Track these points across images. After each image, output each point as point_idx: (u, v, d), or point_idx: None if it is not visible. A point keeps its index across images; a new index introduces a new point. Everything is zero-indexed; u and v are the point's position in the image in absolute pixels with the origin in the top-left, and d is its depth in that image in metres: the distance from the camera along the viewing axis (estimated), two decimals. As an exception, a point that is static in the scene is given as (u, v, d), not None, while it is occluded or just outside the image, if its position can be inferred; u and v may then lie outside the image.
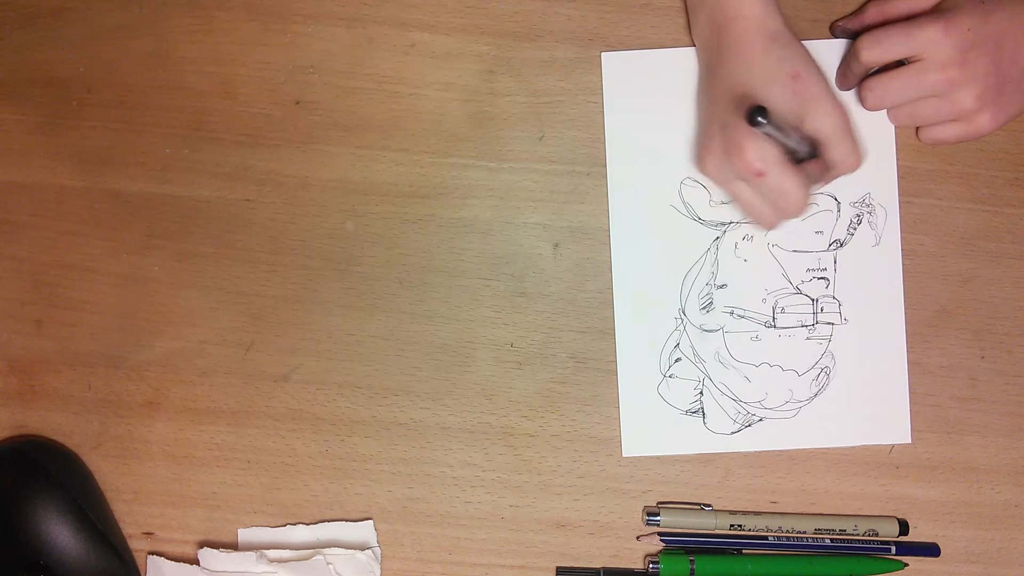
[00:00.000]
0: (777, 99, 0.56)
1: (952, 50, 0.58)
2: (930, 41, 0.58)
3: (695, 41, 0.63)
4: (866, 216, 0.63)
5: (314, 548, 0.62)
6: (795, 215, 0.58)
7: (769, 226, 0.59)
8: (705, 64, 0.61)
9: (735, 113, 0.56)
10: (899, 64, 0.60)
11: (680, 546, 0.62)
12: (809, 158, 0.58)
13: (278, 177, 0.64)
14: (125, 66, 0.64)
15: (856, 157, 0.58)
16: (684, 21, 0.64)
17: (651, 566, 0.62)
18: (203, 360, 0.64)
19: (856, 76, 0.62)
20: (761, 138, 0.55)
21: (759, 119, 0.52)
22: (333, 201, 0.64)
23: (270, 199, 0.64)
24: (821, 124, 0.56)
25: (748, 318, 0.63)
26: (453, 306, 0.64)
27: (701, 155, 0.59)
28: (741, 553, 0.62)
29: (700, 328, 0.63)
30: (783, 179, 0.56)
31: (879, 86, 0.60)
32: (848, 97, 0.63)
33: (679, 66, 0.64)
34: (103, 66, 0.64)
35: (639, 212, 0.63)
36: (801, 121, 0.57)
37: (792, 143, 0.56)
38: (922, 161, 0.64)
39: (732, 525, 0.62)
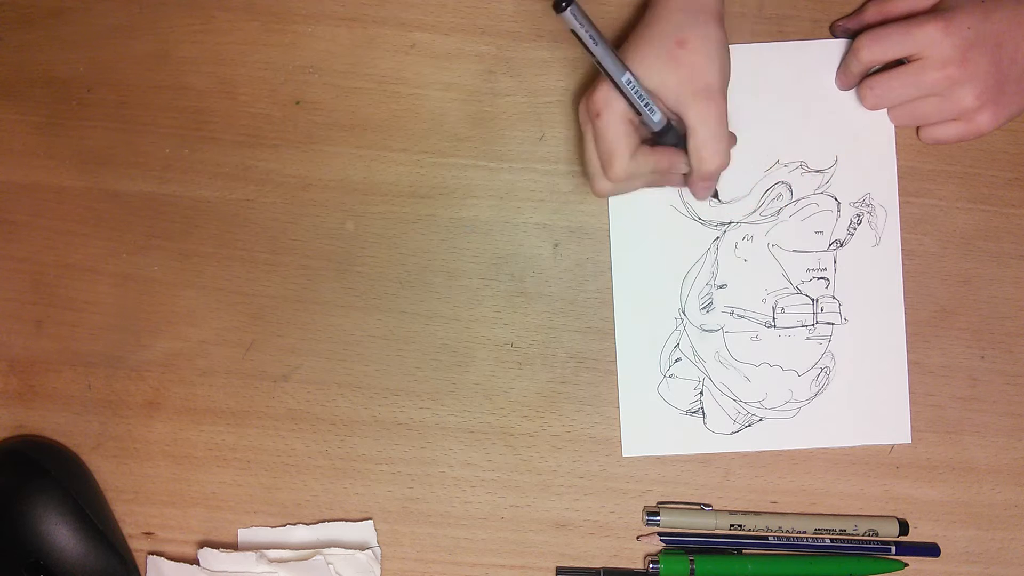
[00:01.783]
0: (649, 57, 0.55)
1: (952, 49, 0.58)
2: (930, 40, 0.58)
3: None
4: (866, 216, 0.63)
5: (314, 548, 0.62)
6: (612, 174, 0.55)
7: (595, 185, 0.57)
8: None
9: None
10: (899, 64, 0.60)
11: (680, 546, 0.62)
12: (656, 127, 0.56)
13: (278, 177, 0.64)
14: (125, 66, 0.64)
15: (713, 152, 0.55)
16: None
17: (651, 566, 0.62)
18: (203, 360, 0.64)
19: (856, 75, 0.62)
20: (616, 89, 0.54)
21: (562, 3, 0.48)
22: (333, 201, 0.64)
23: (270, 199, 0.64)
24: (687, 105, 0.54)
25: (748, 318, 0.63)
26: (453, 306, 0.64)
27: (586, 93, 0.57)
28: (741, 553, 0.62)
29: (700, 328, 0.63)
30: (611, 126, 0.55)
31: (879, 85, 0.60)
32: (850, 96, 0.63)
33: (679, 66, 0.63)
34: (103, 66, 0.64)
35: (639, 212, 0.63)
36: (664, 89, 0.54)
37: (608, 67, 0.53)
38: (922, 161, 0.64)
39: (732, 525, 0.62)
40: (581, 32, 0.51)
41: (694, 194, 0.60)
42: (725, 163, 0.56)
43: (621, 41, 0.59)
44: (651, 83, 0.55)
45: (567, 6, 0.48)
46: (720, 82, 0.55)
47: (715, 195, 0.63)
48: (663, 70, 0.55)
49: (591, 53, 0.53)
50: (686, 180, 0.59)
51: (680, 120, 0.56)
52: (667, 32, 0.55)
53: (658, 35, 0.55)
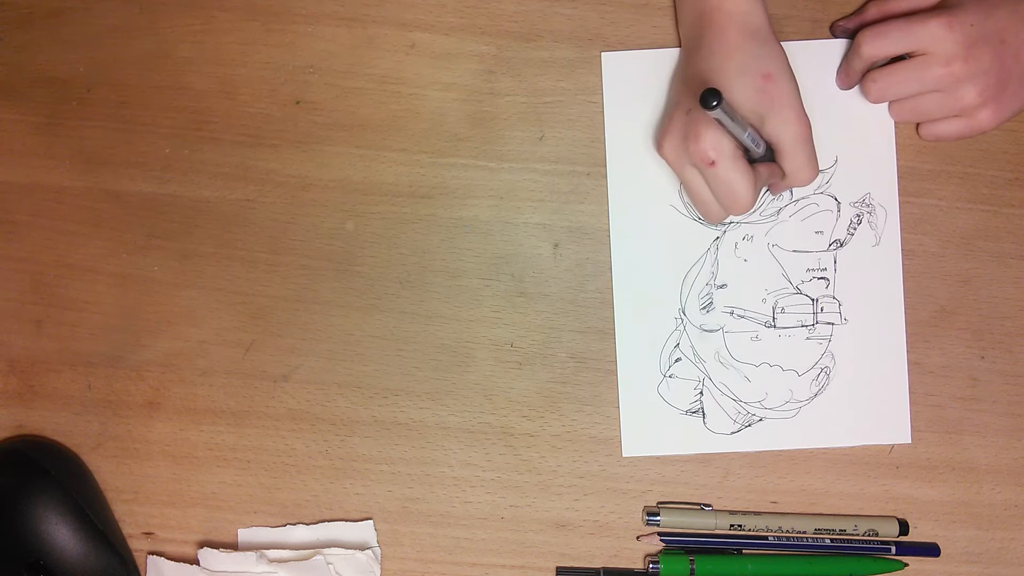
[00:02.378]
0: (742, 94, 0.57)
1: (956, 45, 0.58)
2: (933, 36, 0.58)
3: (679, 29, 0.63)
4: (866, 216, 0.63)
5: (314, 548, 0.62)
6: (740, 211, 0.57)
7: (714, 219, 0.60)
8: (685, 52, 0.62)
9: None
10: (901, 60, 0.60)
11: (680, 546, 0.62)
12: (764, 160, 0.58)
13: (278, 177, 0.64)
14: (125, 66, 0.64)
15: (809, 171, 0.58)
16: (684, 21, 0.64)
17: (651, 566, 0.62)
18: (203, 360, 0.64)
19: (857, 72, 0.62)
20: (719, 129, 0.55)
21: (712, 102, 0.51)
22: (333, 201, 0.64)
23: (270, 199, 0.64)
24: (782, 130, 0.57)
25: (748, 318, 0.63)
26: (453, 306, 0.64)
27: (661, 137, 0.59)
28: (741, 553, 0.62)
29: (700, 328, 0.63)
30: (733, 172, 0.56)
31: (882, 78, 0.60)
32: (850, 96, 0.63)
33: (679, 66, 0.64)
34: (103, 66, 0.64)
35: (639, 212, 0.63)
36: (762, 122, 0.57)
37: (745, 139, 0.56)
38: (922, 161, 0.64)
39: (732, 525, 0.62)
40: (726, 120, 0.54)
41: (774, 192, 0.63)
42: (816, 176, 0.59)
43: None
44: (748, 117, 0.57)
45: (717, 106, 0.51)
46: (803, 105, 0.58)
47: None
48: (759, 106, 0.57)
49: (730, 131, 0.55)
50: (770, 187, 0.61)
51: (772, 142, 0.58)
52: (749, 67, 0.57)
53: (742, 71, 0.57)
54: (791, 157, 0.58)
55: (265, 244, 0.64)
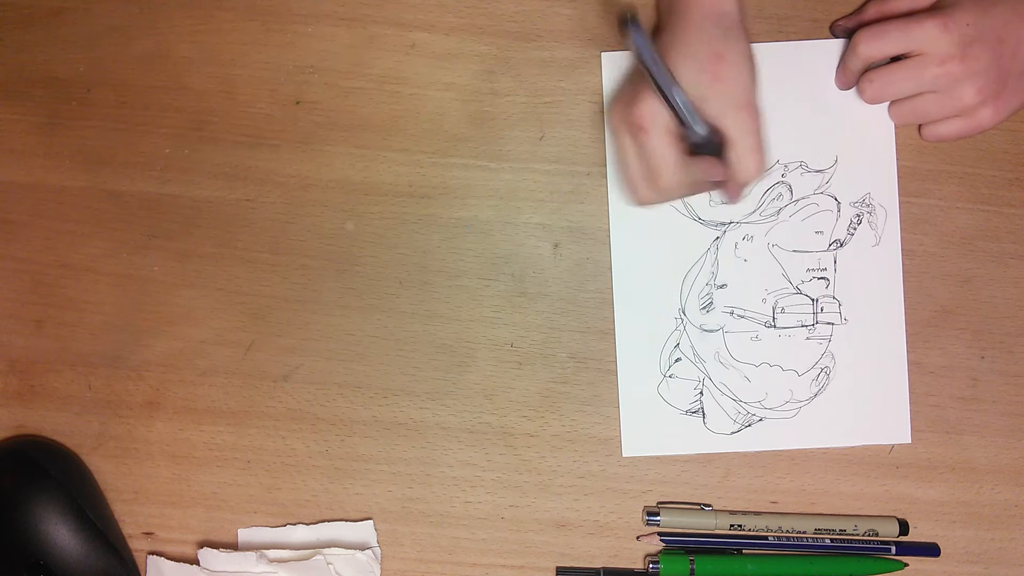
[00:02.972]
0: (689, 71, 0.55)
1: (952, 45, 0.58)
2: (929, 36, 0.58)
3: (657, 5, 0.62)
4: (866, 216, 0.63)
5: (314, 548, 0.62)
6: (658, 191, 0.57)
7: (636, 195, 0.58)
8: (656, 29, 0.61)
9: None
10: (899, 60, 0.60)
11: (680, 546, 0.62)
12: (699, 139, 0.56)
13: (278, 177, 0.64)
14: (125, 66, 0.64)
15: (751, 161, 0.56)
16: (684, 21, 0.64)
17: (651, 566, 0.62)
18: (203, 360, 0.64)
19: (854, 73, 0.62)
20: (660, 102, 0.54)
21: (628, 22, 0.50)
22: (333, 201, 0.64)
23: (270, 199, 0.64)
24: (725, 115, 0.55)
25: (748, 318, 0.63)
26: (453, 306, 0.64)
27: (612, 101, 0.58)
28: (741, 553, 0.62)
29: (700, 328, 0.63)
30: (661, 144, 0.55)
31: (879, 78, 0.60)
32: (850, 96, 0.63)
33: (679, 66, 0.64)
34: (103, 66, 0.64)
35: (639, 212, 0.63)
36: (705, 102, 0.55)
37: (679, 104, 0.54)
38: (922, 161, 0.64)
39: (732, 525, 0.62)
40: (644, 51, 0.52)
41: (729, 197, 0.60)
42: (764, 169, 0.57)
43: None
44: (692, 96, 0.56)
45: (631, 23, 0.50)
46: (756, 94, 0.56)
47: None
48: (703, 84, 0.55)
49: (649, 71, 0.54)
50: (717, 185, 0.59)
51: (717, 130, 0.56)
52: (702, 46, 0.56)
53: (694, 49, 0.56)
54: (733, 144, 0.56)
55: (265, 244, 0.64)
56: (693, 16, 0.57)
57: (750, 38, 0.57)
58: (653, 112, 0.55)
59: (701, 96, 0.56)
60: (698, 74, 0.55)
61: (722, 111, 0.56)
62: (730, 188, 0.59)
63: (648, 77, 0.54)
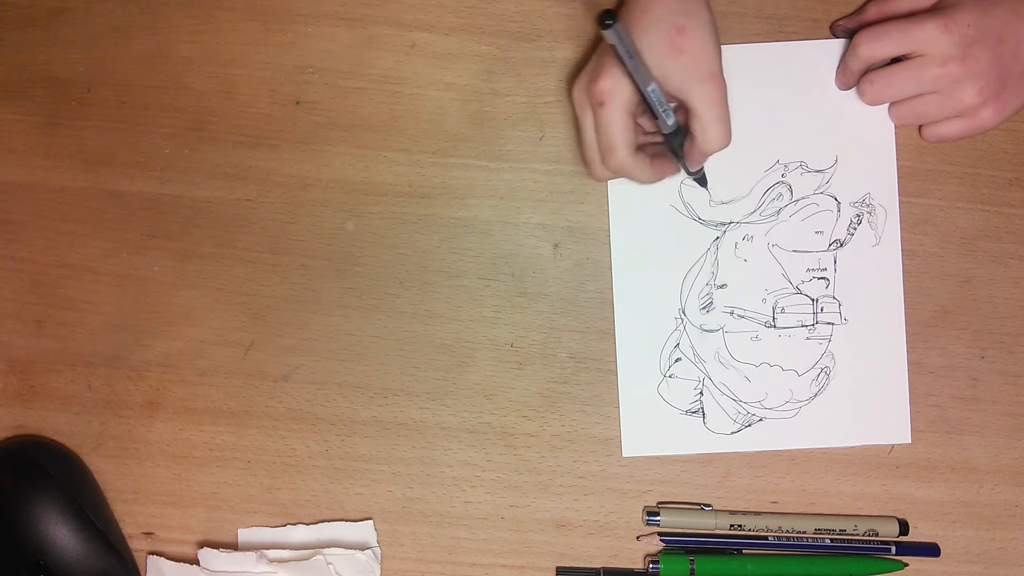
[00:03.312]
0: (650, 43, 0.55)
1: (952, 46, 0.58)
2: (930, 37, 0.58)
3: None
4: (866, 216, 0.63)
5: (314, 548, 0.62)
6: (612, 164, 0.57)
7: (592, 170, 0.59)
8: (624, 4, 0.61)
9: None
10: (900, 61, 0.60)
11: (680, 546, 0.62)
12: (669, 129, 0.57)
13: (278, 177, 0.64)
14: (125, 66, 0.64)
15: (716, 132, 0.56)
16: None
17: (651, 566, 0.62)
18: (203, 360, 0.64)
19: (855, 73, 0.62)
20: (620, 76, 0.55)
21: (607, 20, 0.50)
22: (333, 201, 0.64)
23: (270, 199, 0.64)
24: (689, 87, 0.55)
25: (748, 318, 0.63)
26: (453, 306, 0.64)
27: (577, 78, 0.58)
28: (741, 553, 0.62)
29: (700, 328, 0.63)
30: (615, 117, 0.56)
31: (879, 79, 0.60)
32: (850, 96, 0.63)
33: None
34: (103, 66, 0.64)
35: (639, 212, 0.63)
36: (667, 78, 0.55)
37: (649, 92, 0.55)
38: (922, 161, 0.64)
39: (732, 525, 0.62)
40: (620, 48, 0.53)
41: (689, 165, 0.60)
42: (728, 142, 0.57)
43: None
44: (654, 70, 0.55)
45: (611, 24, 0.50)
46: (719, 64, 0.56)
47: (703, 182, 0.62)
48: (665, 58, 0.55)
49: (625, 65, 0.54)
50: (682, 164, 0.60)
51: (681, 105, 0.57)
52: (663, 19, 0.55)
53: (655, 22, 0.56)
54: (697, 116, 0.56)
55: (265, 244, 0.64)
56: None
57: (712, 12, 0.57)
58: (613, 88, 0.55)
59: (664, 69, 0.55)
60: (659, 47, 0.55)
61: (686, 84, 0.55)
62: (693, 157, 0.59)
63: (625, 71, 0.54)
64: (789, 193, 0.63)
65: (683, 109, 0.57)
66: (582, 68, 0.59)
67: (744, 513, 0.63)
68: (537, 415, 0.63)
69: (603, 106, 0.56)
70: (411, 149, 0.64)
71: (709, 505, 0.63)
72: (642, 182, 0.59)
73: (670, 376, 0.63)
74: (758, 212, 0.63)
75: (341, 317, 0.64)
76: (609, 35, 0.51)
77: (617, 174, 0.58)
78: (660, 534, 0.63)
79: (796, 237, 0.63)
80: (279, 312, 0.64)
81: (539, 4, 0.64)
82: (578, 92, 0.58)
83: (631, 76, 0.54)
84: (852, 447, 0.63)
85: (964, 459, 0.63)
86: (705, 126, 0.56)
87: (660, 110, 0.56)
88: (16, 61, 0.65)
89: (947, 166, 0.64)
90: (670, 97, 0.56)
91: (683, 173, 0.61)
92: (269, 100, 0.64)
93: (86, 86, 0.64)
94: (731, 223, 0.64)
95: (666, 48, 0.55)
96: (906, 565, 0.63)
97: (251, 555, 0.61)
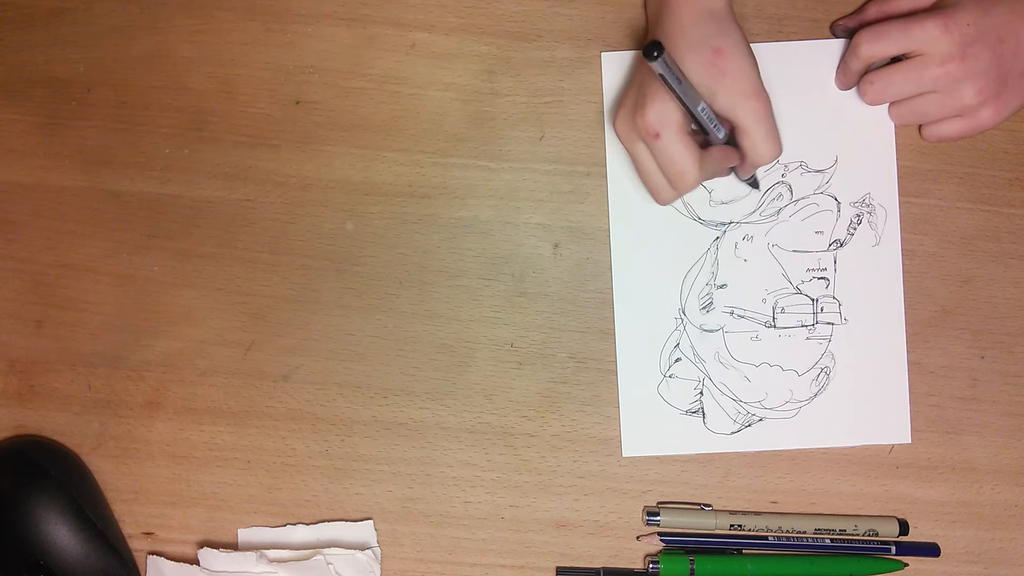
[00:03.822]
0: (693, 68, 0.56)
1: (952, 45, 0.58)
2: (930, 36, 0.58)
3: (646, 11, 0.63)
4: (866, 216, 0.63)
5: (314, 548, 0.62)
6: (685, 188, 0.57)
7: (660, 197, 0.59)
8: (649, 30, 0.62)
9: (652, 73, 0.56)
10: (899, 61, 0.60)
11: (680, 546, 0.62)
12: (721, 142, 0.58)
13: (278, 177, 0.64)
14: (125, 66, 0.64)
15: (767, 146, 0.58)
16: (684, 21, 0.64)
17: (651, 566, 0.62)
18: (203, 360, 0.64)
19: (855, 73, 0.62)
20: (667, 102, 0.55)
21: (654, 52, 0.51)
22: (333, 201, 0.64)
23: (270, 199, 0.64)
24: (735, 104, 0.56)
25: (748, 318, 0.63)
26: (453, 306, 0.64)
27: (615, 110, 0.59)
28: (741, 553, 0.62)
29: (700, 328, 0.63)
30: (675, 145, 0.56)
31: (879, 80, 0.61)
32: (850, 96, 0.63)
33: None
34: (103, 66, 0.64)
35: (639, 212, 0.63)
36: (714, 98, 0.56)
37: (699, 113, 0.56)
38: (922, 161, 0.64)
39: (732, 525, 0.62)
40: (668, 77, 0.54)
41: (741, 174, 0.62)
42: (780, 152, 0.58)
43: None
44: (702, 93, 0.56)
45: (659, 56, 0.51)
46: (760, 80, 0.57)
47: (756, 185, 0.63)
48: (708, 80, 0.56)
49: (674, 91, 0.55)
50: (732, 170, 0.61)
51: (728, 121, 0.58)
52: (700, 43, 0.57)
53: (692, 47, 0.57)
54: (747, 132, 0.57)
55: (265, 244, 0.64)
56: (685, 15, 0.57)
57: (742, 28, 0.58)
58: (662, 115, 0.56)
59: (709, 92, 0.56)
60: (704, 71, 0.56)
61: (732, 102, 0.57)
62: (744, 169, 0.61)
63: (675, 97, 0.55)
64: (789, 193, 0.63)
65: (729, 124, 0.58)
66: (619, 104, 0.59)
67: (744, 513, 0.63)
68: (537, 415, 0.63)
69: (659, 137, 0.56)
70: (411, 149, 0.64)
71: (709, 505, 0.63)
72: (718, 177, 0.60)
73: (670, 376, 0.63)
74: (758, 212, 0.63)
75: (341, 317, 0.64)
76: (657, 65, 0.52)
77: (687, 192, 0.59)
78: (660, 534, 0.63)
79: (796, 237, 0.63)
80: (279, 312, 0.64)
81: (539, 4, 0.64)
82: (623, 128, 0.59)
83: (680, 100, 0.55)
84: (852, 447, 0.63)
85: (964, 459, 0.63)
86: (755, 141, 0.57)
87: (711, 126, 0.57)
88: (16, 61, 0.65)
89: (947, 166, 0.64)
90: (717, 115, 0.57)
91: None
92: (269, 100, 0.64)
93: (86, 86, 0.64)
94: (731, 223, 0.64)
95: (708, 71, 0.56)
96: (906, 565, 0.63)
97: (251, 555, 0.61)
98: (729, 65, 0.56)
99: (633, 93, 0.58)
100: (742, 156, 0.59)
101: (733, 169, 0.61)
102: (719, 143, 0.58)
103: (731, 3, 0.58)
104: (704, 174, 0.57)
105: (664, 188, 0.59)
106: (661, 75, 0.53)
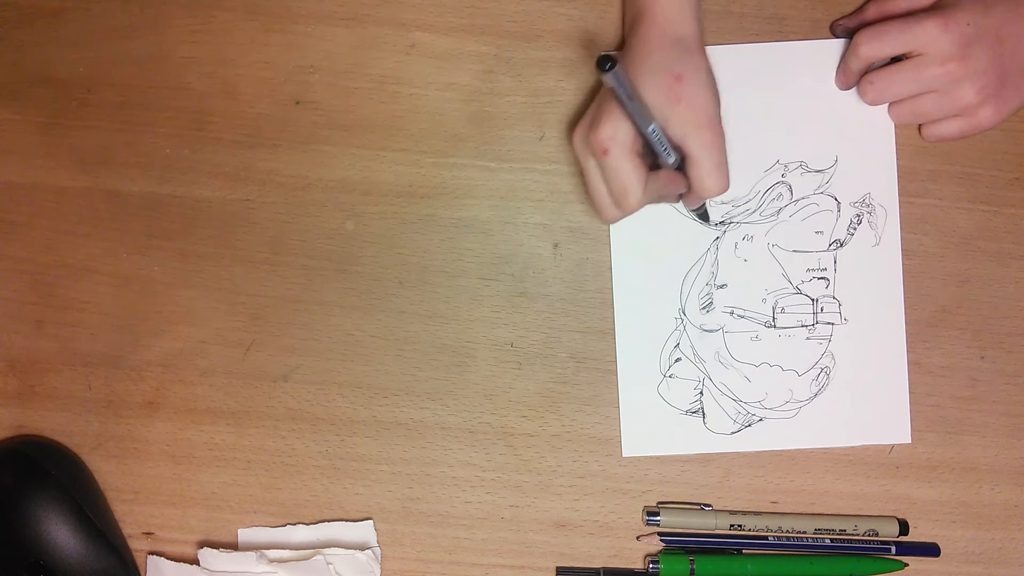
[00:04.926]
0: (649, 90, 0.56)
1: (952, 45, 0.58)
2: (930, 36, 0.58)
3: (623, 23, 0.63)
4: (866, 216, 0.63)
5: (314, 548, 0.62)
6: (627, 208, 0.57)
7: (604, 215, 0.59)
8: (623, 48, 0.62)
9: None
10: (899, 61, 0.60)
11: (680, 546, 0.63)
12: (670, 168, 0.57)
13: (278, 177, 0.64)
14: (125, 66, 0.64)
15: (713, 180, 0.57)
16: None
17: (651, 566, 0.62)
18: (203, 360, 0.64)
19: (855, 73, 0.62)
20: (620, 121, 0.55)
21: (606, 65, 0.51)
22: (333, 201, 0.64)
23: (270, 199, 0.64)
24: (687, 132, 0.56)
25: (748, 318, 0.63)
26: (453, 306, 0.64)
27: (577, 126, 0.59)
28: (741, 553, 0.62)
29: (700, 328, 0.63)
30: (622, 162, 0.56)
31: (879, 79, 0.61)
32: (850, 96, 0.63)
33: (679, 66, 0.63)
34: (103, 66, 0.64)
35: (639, 212, 0.63)
36: (668, 123, 0.56)
37: (650, 133, 0.55)
38: (922, 161, 0.64)
39: (732, 525, 0.62)
40: (619, 91, 0.53)
41: (688, 204, 0.62)
42: (726, 187, 0.57)
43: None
44: (656, 117, 0.56)
45: (610, 68, 0.51)
46: (717, 111, 0.57)
47: (706, 217, 0.63)
48: (664, 105, 0.56)
49: (625, 107, 0.54)
50: (680, 198, 0.61)
51: (679, 148, 0.57)
52: (662, 67, 0.56)
53: (653, 70, 0.56)
54: (696, 162, 0.57)
55: (265, 244, 0.64)
56: (653, 40, 0.58)
57: (709, 60, 0.57)
58: (614, 134, 0.55)
59: (664, 117, 0.56)
60: (660, 94, 0.56)
61: (684, 130, 0.56)
62: (690, 200, 0.60)
63: (625, 113, 0.55)
64: (789, 193, 0.63)
65: (681, 152, 0.57)
66: (581, 118, 0.59)
67: (744, 513, 0.63)
68: (537, 415, 0.63)
69: (607, 154, 0.56)
70: (411, 149, 0.64)
71: (709, 505, 0.63)
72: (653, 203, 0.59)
73: (670, 376, 0.63)
74: (758, 212, 0.63)
75: (341, 317, 0.64)
76: (608, 79, 0.52)
77: (630, 213, 0.58)
78: (660, 534, 0.63)
79: (796, 237, 0.63)
80: (279, 312, 0.64)
81: (539, 4, 0.64)
82: (578, 141, 0.58)
83: (630, 116, 0.55)
84: (852, 447, 0.63)
85: (964, 459, 0.63)
86: (702, 173, 0.57)
87: (661, 149, 0.56)
88: (16, 61, 0.65)
89: (947, 166, 0.64)
90: (670, 142, 0.57)
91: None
92: (269, 100, 0.64)
93: (86, 86, 0.64)
94: (731, 223, 0.64)
95: (665, 94, 0.56)
96: (906, 565, 0.63)
97: (251, 555, 0.61)
98: (687, 92, 0.56)
99: (594, 109, 0.58)
100: (689, 186, 0.58)
101: (680, 199, 0.61)
102: (668, 168, 0.57)
103: (701, 33, 0.58)
104: (648, 196, 0.57)
105: (608, 207, 0.58)
106: (612, 88, 0.53)
